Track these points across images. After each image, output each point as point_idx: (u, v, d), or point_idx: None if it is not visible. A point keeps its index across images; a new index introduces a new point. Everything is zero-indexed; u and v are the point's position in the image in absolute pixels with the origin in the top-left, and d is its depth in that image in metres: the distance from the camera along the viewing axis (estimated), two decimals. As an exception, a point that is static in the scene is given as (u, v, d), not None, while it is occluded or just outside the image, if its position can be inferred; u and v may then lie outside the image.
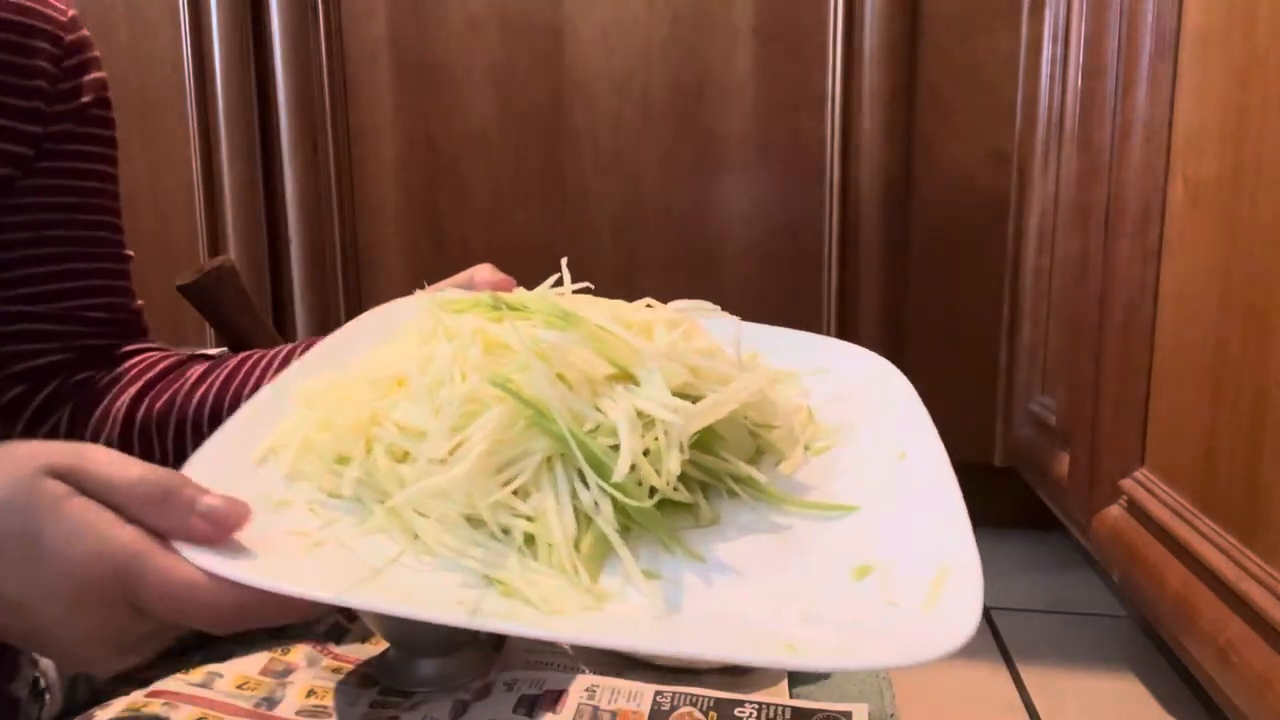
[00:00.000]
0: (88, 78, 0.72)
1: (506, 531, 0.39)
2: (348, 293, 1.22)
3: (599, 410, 0.41)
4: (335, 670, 0.79)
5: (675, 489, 0.41)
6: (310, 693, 0.75)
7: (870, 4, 1.05)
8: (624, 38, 1.11)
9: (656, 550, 0.40)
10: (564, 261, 0.53)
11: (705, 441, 0.44)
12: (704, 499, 0.43)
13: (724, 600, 0.37)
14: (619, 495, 0.39)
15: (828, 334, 1.13)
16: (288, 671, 0.79)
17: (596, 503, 0.39)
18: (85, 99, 0.72)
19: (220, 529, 0.37)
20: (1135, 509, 0.76)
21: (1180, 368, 0.71)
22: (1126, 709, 0.77)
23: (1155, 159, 0.73)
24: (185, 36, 1.19)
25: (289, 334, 1.24)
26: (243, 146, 1.21)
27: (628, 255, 1.15)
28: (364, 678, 0.79)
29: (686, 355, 0.45)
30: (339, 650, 0.83)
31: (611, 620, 0.36)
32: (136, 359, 0.77)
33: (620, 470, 0.39)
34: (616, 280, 1.15)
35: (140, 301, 0.82)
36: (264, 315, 1.18)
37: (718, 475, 0.44)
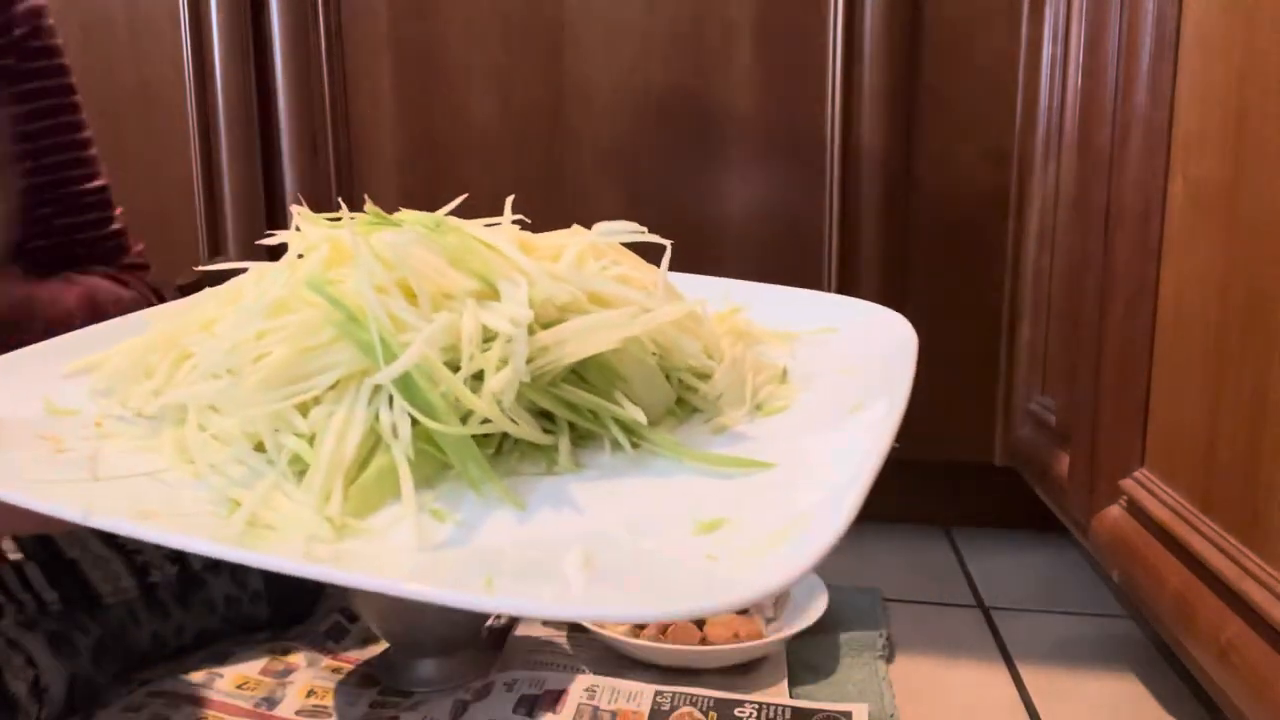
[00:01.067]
0: (19, 8, 0.73)
1: (281, 451, 0.33)
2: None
3: (431, 322, 0.34)
4: (335, 670, 0.79)
5: (520, 422, 0.34)
6: (310, 693, 0.75)
7: (870, 4, 1.05)
8: (624, 38, 1.11)
9: (471, 494, 0.33)
10: (509, 200, 0.46)
11: (595, 378, 0.36)
12: (569, 444, 0.35)
13: (498, 544, 0.30)
14: (422, 417, 0.32)
15: (828, 334, 1.13)
16: (288, 671, 0.79)
17: (395, 425, 0.33)
18: (19, 31, 0.72)
19: None
20: (1135, 509, 0.76)
21: (1180, 368, 0.71)
22: (1126, 709, 0.77)
23: (1155, 159, 0.73)
24: (185, 36, 1.19)
25: (289, 334, 1.24)
26: (243, 146, 1.21)
27: (628, 255, 1.15)
28: (364, 678, 0.79)
29: (591, 280, 0.38)
30: (339, 650, 0.83)
31: (317, 550, 0.30)
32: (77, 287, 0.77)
33: (393, 368, 0.32)
34: (616, 280, 1.15)
35: (115, 226, 0.83)
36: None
37: (596, 418, 0.36)
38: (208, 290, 0.44)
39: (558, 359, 0.35)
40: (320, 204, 1.21)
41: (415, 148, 1.18)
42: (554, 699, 0.71)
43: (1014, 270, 1.08)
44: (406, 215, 0.41)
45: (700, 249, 1.14)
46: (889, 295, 1.10)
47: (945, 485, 1.19)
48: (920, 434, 1.14)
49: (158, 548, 0.80)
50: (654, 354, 0.38)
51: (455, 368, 0.33)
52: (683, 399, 0.40)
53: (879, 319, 0.47)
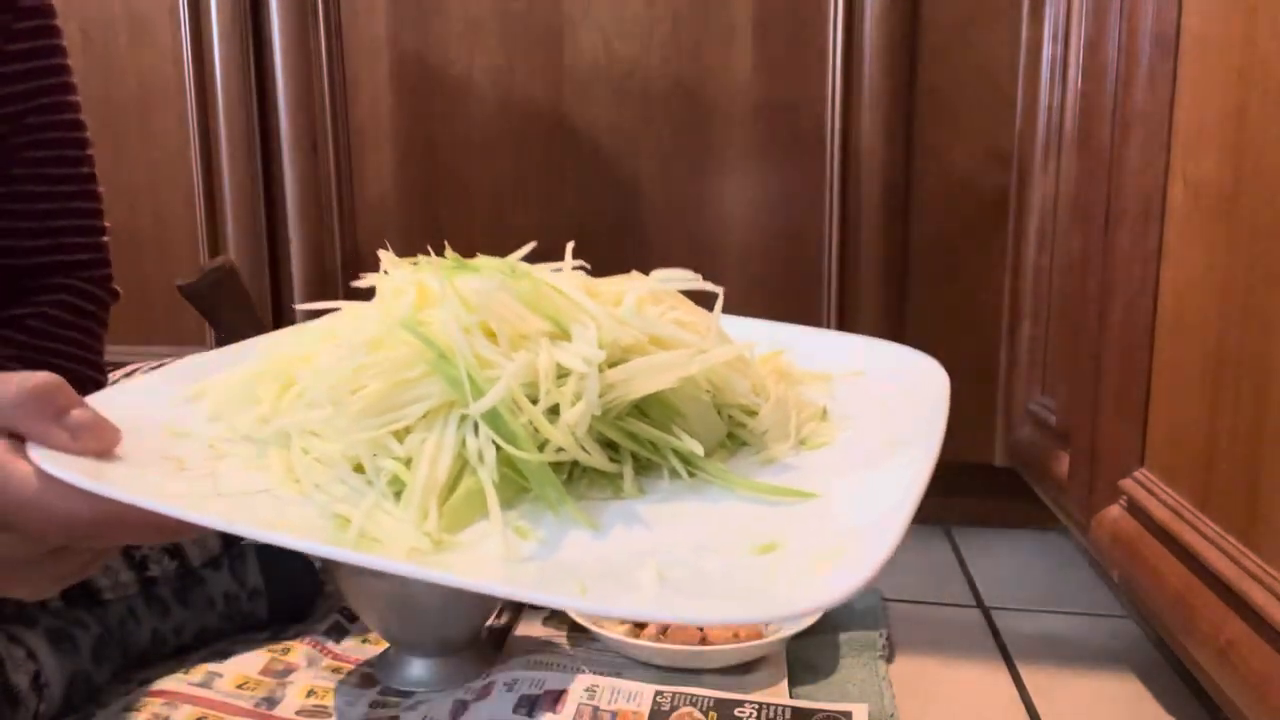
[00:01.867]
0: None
1: (380, 473, 0.37)
2: (348, 293, 1.22)
3: (512, 361, 0.37)
4: (335, 670, 0.79)
5: (587, 452, 0.37)
6: (310, 693, 0.75)
7: (870, 4, 1.05)
8: (624, 38, 1.11)
9: (551, 517, 0.36)
10: (569, 246, 0.50)
11: (655, 413, 0.40)
12: (633, 473, 0.39)
13: (579, 560, 0.34)
14: (505, 445, 0.36)
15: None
16: (288, 671, 0.79)
17: (481, 451, 0.36)
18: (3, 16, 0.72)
19: (80, 442, 0.36)
20: (1135, 509, 0.76)
21: (1180, 368, 0.71)
22: (1126, 709, 0.77)
23: (1155, 159, 0.73)
24: (185, 36, 1.20)
25: (289, 334, 1.24)
26: (243, 146, 1.21)
27: (628, 255, 1.15)
28: (364, 678, 0.79)
29: (652, 323, 0.42)
30: (339, 650, 0.83)
31: (423, 558, 0.33)
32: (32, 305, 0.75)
33: (483, 403, 0.35)
34: (616, 280, 1.15)
35: (105, 239, 0.80)
36: (264, 315, 1.18)
37: (657, 449, 0.40)
38: (301, 325, 0.50)
39: (623, 395, 0.38)
40: (320, 204, 1.21)
41: (415, 148, 1.18)
42: (554, 699, 0.71)
43: (1014, 270, 1.08)
44: (484, 261, 0.45)
45: (700, 249, 1.14)
46: (888, 294, 1.11)
47: (945, 485, 1.19)
48: (920, 434, 1.14)
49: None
50: (708, 392, 0.42)
51: (533, 401, 0.37)
52: (733, 433, 0.43)
53: (913, 363, 0.50)
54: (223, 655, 0.80)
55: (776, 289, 1.13)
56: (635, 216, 1.15)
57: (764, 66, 1.09)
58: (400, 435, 0.37)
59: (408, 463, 0.37)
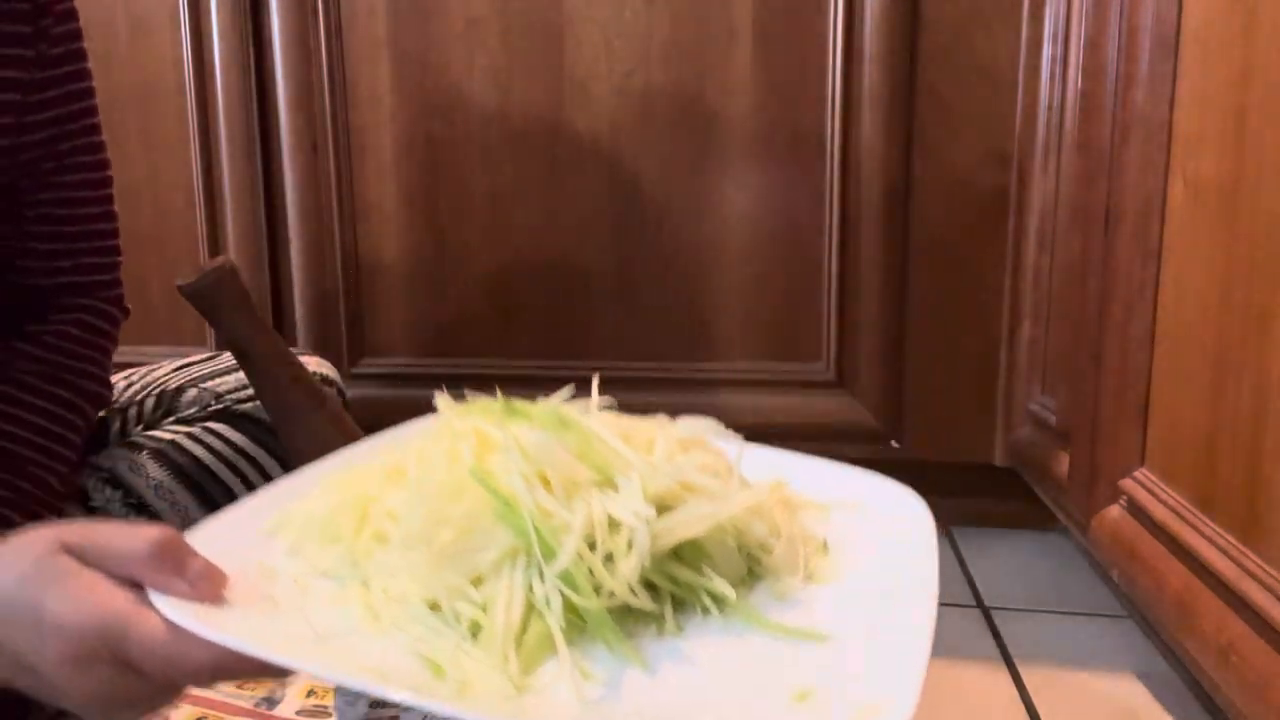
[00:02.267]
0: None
1: (458, 618, 0.42)
2: (347, 293, 1.22)
3: (570, 511, 0.42)
4: (335, 670, 0.79)
5: (635, 595, 0.42)
6: (310, 693, 0.75)
7: (870, 4, 1.05)
8: (624, 38, 1.11)
9: (606, 654, 0.41)
10: (595, 378, 0.56)
11: (687, 555, 0.45)
12: (671, 611, 0.44)
13: (645, 703, 0.39)
14: (569, 591, 0.41)
15: (827, 332, 1.13)
16: (288, 671, 0.78)
17: (548, 598, 0.41)
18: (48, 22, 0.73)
19: (198, 590, 0.40)
20: (1135, 509, 0.76)
21: (1180, 368, 0.71)
22: (1126, 709, 0.77)
23: (1155, 159, 0.73)
24: (185, 36, 1.19)
25: (289, 334, 1.24)
26: (243, 146, 1.21)
27: (628, 255, 1.15)
28: (364, 678, 0.78)
29: (683, 469, 0.47)
30: (339, 650, 0.82)
31: (514, 706, 0.38)
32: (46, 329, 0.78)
33: (561, 560, 0.41)
34: (616, 279, 1.15)
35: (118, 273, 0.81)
36: (264, 315, 1.18)
37: (691, 589, 0.45)
38: (368, 447, 0.56)
39: (665, 543, 0.43)
40: (320, 204, 1.21)
41: (415, 148, 1.18)
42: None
43: (1014, 271, 1.08)
44: (534, 410, 0.50)
45: (701, 249, 1.14)
46: (888, 295, 1.11)
47: (945, 485, 1.19)
48: (920, 434, 1.14)
49: None
50: (733, 534, 0.47)
51: (590, 546, 0.42)
52: (750, 568, 0.49)
53: (898, 497, 0.56)
54: (223, 655, 0.80)
55: (776, 289, 1.13)
56: (635, 216, 1.15)
57: (764, 66, 1.09)
58: (473, 580, 0.43)
59: (483, 607, 0.42)
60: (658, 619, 0.43)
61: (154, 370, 0.92)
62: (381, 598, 0.43)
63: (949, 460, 1.14)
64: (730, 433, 0.54)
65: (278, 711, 0.73)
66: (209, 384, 0.89)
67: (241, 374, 0.83)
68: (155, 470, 0.81)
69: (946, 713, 0.77)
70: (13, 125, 0.72)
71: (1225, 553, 0.62)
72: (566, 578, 0.41)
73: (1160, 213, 0.73)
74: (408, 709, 0.73)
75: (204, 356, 0.93)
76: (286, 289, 1.24)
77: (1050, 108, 1.01)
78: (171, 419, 0.87)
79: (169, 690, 0.43)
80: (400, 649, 0.40)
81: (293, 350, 0.82)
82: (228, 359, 0.91)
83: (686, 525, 0.44)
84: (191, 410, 0.87)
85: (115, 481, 0.80)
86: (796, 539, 0.49)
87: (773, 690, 0.39)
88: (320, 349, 1.23)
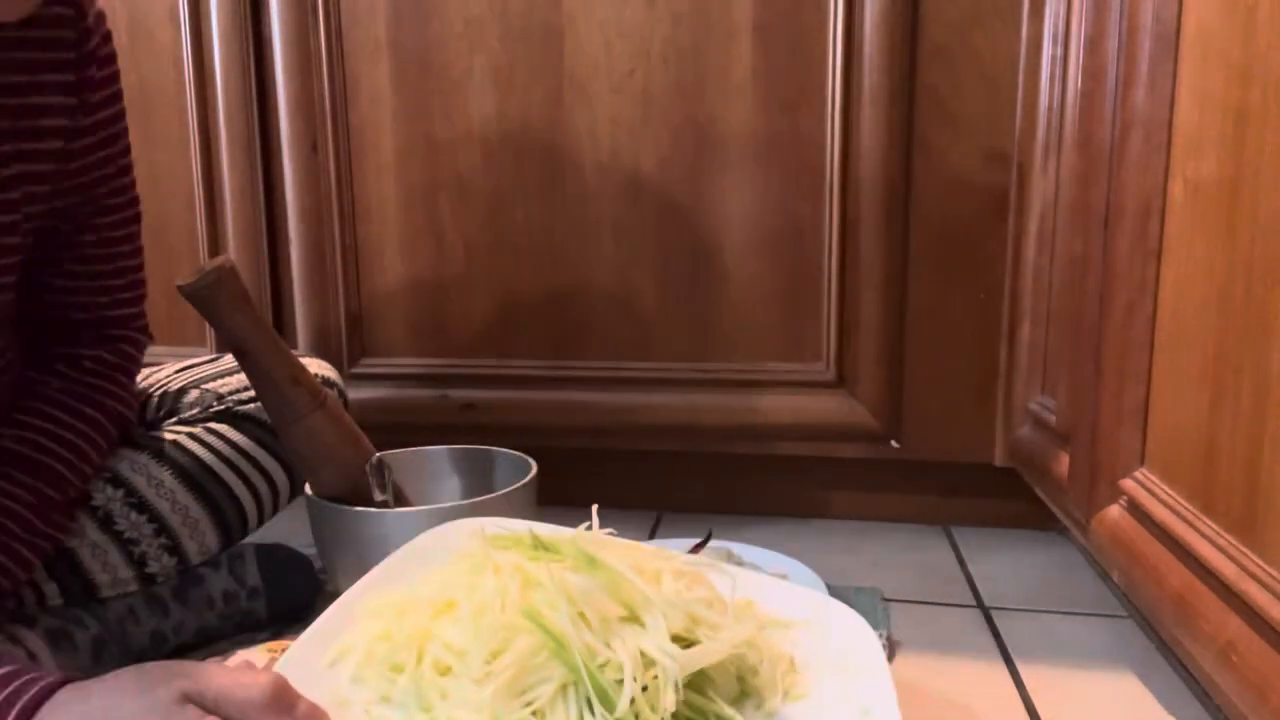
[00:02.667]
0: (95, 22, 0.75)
1: None
2: (348, 293, 1.22)
3: (609, 647, 0.49)
4: (335, 670, 0.79)
5: None
6: (310, 693, 0.75)
7: (870, 4, 1.05)
8: (624, 38, 1.11)
9: None
10: (594, 509, 0.61)
11: (695, 682, 0.51)
12: None
13: None
14: None
15: (828, 333, 1.13)
16: (288, 671, 0.78)
17: None
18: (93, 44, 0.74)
19: None
20: (1135, 509, 0.76)
21: (1180, 368, 0.71)
22: (1126, 709, 0.77)
23: (1155, 159, 0.73)
24: (185, 36, 1.20)
25: (289, 334, 1.24)
26: (243, 146, 1.21)
27: (628, 255, 1.15)
28: (364, 678, 0.78)
29: (689, 603, 0.53)
30: (339, 650, 0.82)
31: None
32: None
33: (622, 705, 0.46)
34: (616, 279, 1.15)
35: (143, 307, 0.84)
36: (264, 315, 1.18)
37: (705, 714, 0.51)
38: (418, 585, 0.59)
39: (687, 675, 0.50)
40: (320, 204, 1.21)
41: (415, 148, 1.18)
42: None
43: (1014, 271, 1.08)
44: (560, 543, 0.56)
45: (700, 249, 1.14)
46: (888, 294, 1.11)
47: (945, 485, 1.19)
48: (920, 434, 1.14)
49: (154, 536, 0.80)
50: (733, 662, 0.54)
51: (619, 680, 0.48)
52: (740, 689, 0.55)
53: (841, 617, 0.63)
54: (223, 655, 0.80)
55: (776, 289, 1.13)
56: (635, 216, 1.15)
57: (764, 66, 1.09)
58: (534, 710, 0.48)
59: None
60: None
61: (156, 371, 0.92)
62: None
63: (949, 460, 1.15)
64: (724, 566, 0.61)
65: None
66: (211, 385, 0.89)
67: (243, 376, 0.83)
68: (157, 470, 0.81)
69: (946, 713, 0.77)
70: (55, 172, 0.72)
71: (1225, 553, 0.62)
72: (612, 708, 0.47)
73: (1160, 212, 0.73)
74: None
75: (207, 359, 0.94)
76: (286, 289, 1.24)
77: (1050, 108, 1.01)
78: (173, 419, 0.87)
79: None
80: None
81: (293, 350, 0.82)
82: (230, 360, 0.91)
83: (704, 657, 0.50)
84: (193, 411, 0.87)
85: (117, 481, 0.80)
86: (775, 659, 0.56)
87: None
88: (320, 349, 1.23)
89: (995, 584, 1.02)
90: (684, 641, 0.51)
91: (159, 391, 0.90)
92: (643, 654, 0.49)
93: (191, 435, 0.85)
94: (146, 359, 0.88)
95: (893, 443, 1.14)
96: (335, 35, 1.17)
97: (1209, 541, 0.64)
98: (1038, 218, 1.03)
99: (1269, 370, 0.58)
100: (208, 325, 1.21)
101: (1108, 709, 0.78)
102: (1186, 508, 0.68)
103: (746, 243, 1.13)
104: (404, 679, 0.51)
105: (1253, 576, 0.58)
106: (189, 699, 0.45)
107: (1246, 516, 0.60)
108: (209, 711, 0.45)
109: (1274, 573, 0.56)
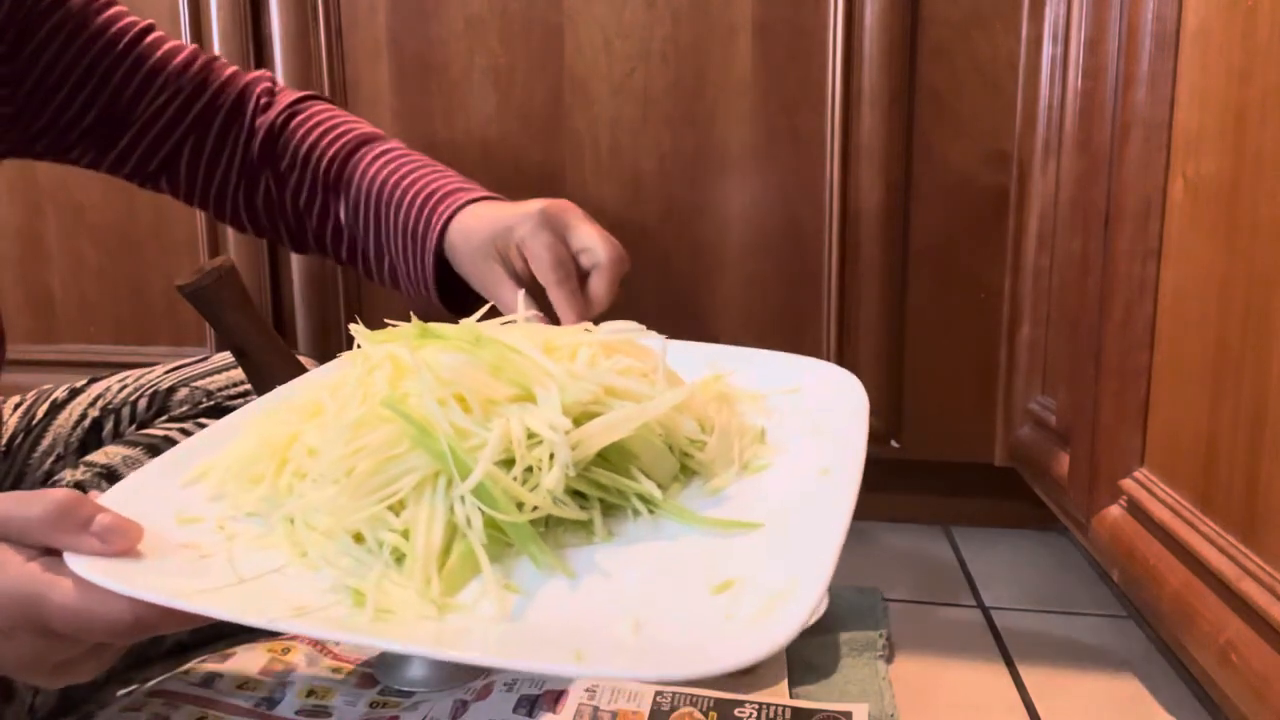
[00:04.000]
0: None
1: (382, 545, 0.41)
2: (348, 293, 1.22)
3: (487, 429, 0.42)
4: (335, 670, 0.79)
5: (563, 505, 0.42)
6: (310, 693, 0.75)
7: (870, 4, 1.05)
8: (624, 38, 1.11)
9: (533, 568, 0.41)
10: (521, 293, 0.55)
11: (615, 460, 0.45)
12: (601, 517, 0.44)
13: (568, 612, 0.39)
14: (488, 509, 0.40)
15: (827, 332, 1.13)
16: (288, 671, 0.79)
17: (469, 517, 0.41)
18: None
19: (110, 544, 0.39)
20: (1135, 509, 0.76)
21: (1180, 368, 0.71)
22: (1126, 709, 0.77)
23: (1155, 159, 0.73)
24: (185, 36, 1.19)
25: (289, 334, 1.24)
26: (243, 146, 1.21)
27: (627, 255, 1.15)
28: (364, 678, 0.79)
29: (602, 374, 0.46)
30: (339, 650, 0.83)
31: (432, 629, 0.38)
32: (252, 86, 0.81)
33: (469, 482, 0.40)
34: (616, 280, 1.15)
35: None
36: (264, 315, 1.18)
37: (620, 493, 0.45)
38: (287, 390, 0.54)
39: (587, 451, 0.43)
40: (320, 204, 1.20)
41: (415, 147, 1.18)
42: (554, 699, 0.71)
43: (1014, 271, 1.08)
44: (449, 330, 0.49)
45: (700, 250, 1.14)
46: (888, 294, 1.11)
47: (945, 485, 1.19)
48: (920, 434, 1.14)
49: None
50: (660, 435, 0.47)
51: (510, 461, 0.42)
52: (684, 465, 0.48)
53: (836, 379, 0.57)
54: (223, 655, 0.80)
55: (776, 289, 1.13)
56: (635, 216, 1.15)
57: (764, 66, 1.09)
58: (395, 507, 0.42)
59: (405, 533, 0.41)
60: (587, 526, 0.44)
61: (147, 373, 0.92)
62: (306, 534, 0.42)
63: (949, 460, 1.14)
64: (655, 334, 0.54)
65: (278, 711, 0.73)
66: (200, 383, 0.90)
67: (232, 372, 0.83)
68: (154, 469, 0.81)
69: (946, 713, 0.77)
70: None
71: (1225, 552, 0.62)
72: (484, 495, 0.40)
73: (1160, 212, 0.73)
74: (410, 707, 0.73)
75: (196, 358, 0.94)
76: (286, 289, 1.24)
77: (1050, 108, 1.01)
78: (164, 417, 0.88)
79: (100, 650, 0.43)
80: (326, 583, 0.40)
81: (293, 350, 0.82)
82: (218, 358, 0.92)
83: (607, 431, 0.43)
84: (183, 408, 0.88)
85: (112, 477, 0.80)
86: (731, 431, 0.49)
87: (695, 585, 0.39)
88: (320, 349, 1.23)
89: (995, 584, 1.02)
90: (595, 417, 0.44)
91: (149, 391, 0.90)
92: (530, 433, 0.42)
93: (183, 431, 0.85)
94: (146, 359, 0.88)
95: (893, 442, 1.14)
96: (335, 35, 1.17)
97: (1209, 541, 0.64)
98: (1038, 218, 1.03)
99: (1269, 370, 0.58)
100: (207, 325, 1.21)
101: (1108, 709, 0.78)
102: (1186, 507, 0.68)
103: (746, 243, 1.13)
104: (260, 489, 0.45)
105: (1252, 576, 0.58)
106: None
107: (1246, 516, 0.60)
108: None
109: (1274, 573, 0.57)
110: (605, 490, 0.44)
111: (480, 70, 1.15)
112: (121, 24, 0.77)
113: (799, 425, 0.52)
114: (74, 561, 0.38)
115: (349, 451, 0.43)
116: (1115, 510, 0.79)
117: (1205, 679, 0.65)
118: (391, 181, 0.76)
